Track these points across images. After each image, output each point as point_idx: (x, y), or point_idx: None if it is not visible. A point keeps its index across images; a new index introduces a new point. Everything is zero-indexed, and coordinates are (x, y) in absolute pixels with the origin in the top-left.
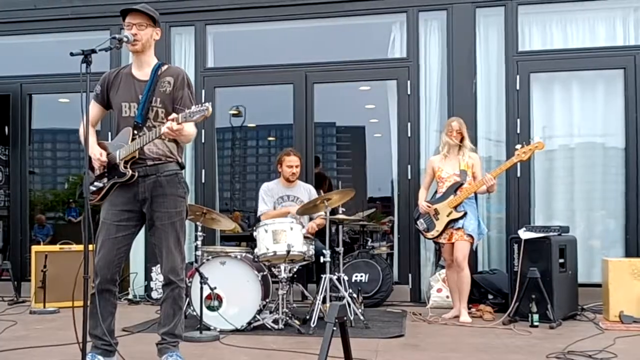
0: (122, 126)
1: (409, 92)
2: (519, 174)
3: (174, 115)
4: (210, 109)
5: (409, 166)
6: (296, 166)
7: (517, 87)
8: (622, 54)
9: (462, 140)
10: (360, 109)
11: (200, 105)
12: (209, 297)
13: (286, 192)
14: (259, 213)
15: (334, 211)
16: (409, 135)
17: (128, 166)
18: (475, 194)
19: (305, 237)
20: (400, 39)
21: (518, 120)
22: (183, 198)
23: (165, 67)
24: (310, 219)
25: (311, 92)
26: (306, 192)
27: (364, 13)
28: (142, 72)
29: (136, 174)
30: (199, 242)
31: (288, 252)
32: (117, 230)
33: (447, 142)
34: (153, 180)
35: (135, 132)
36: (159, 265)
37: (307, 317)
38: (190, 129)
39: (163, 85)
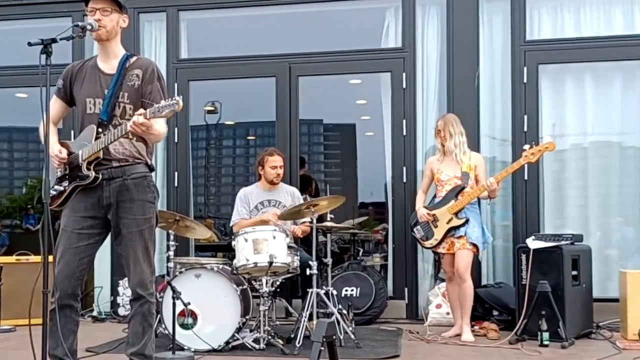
0: (86, 124)
1: (404, 86)
2: (526, 177)
3: (141, 110)
4: (182, 104)
5: (405, 168)
6: (280, 167)
7: (525, 80)
8: None
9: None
10: (351, 104)
11: (170, 99)
12: (182, 313)
13: (267, 197)
14: (231, 223)
15: (321, 218)
16: (405, 133)
17: (91, 167)
18: (478, 199)
19: (289, 247)
20: (395, 26)
21: (525, 117)
22: (152, 203)
23: (134, 58)
24: (295, 225)
25: (295, 86)
26: (289, 195)
27: None
28: (109, 65)
29: (100, 176)
30: (171, 253)
31: (270, 263)
32: (79, 239)
33: (437, 145)
34: (119, 184)
35: (100, 130)
36: (126, 279)
37: (292, 335)
38: (160, 126)
39: (131, 78)
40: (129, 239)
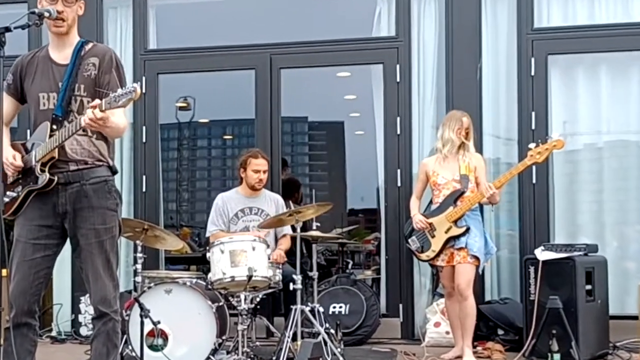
0: (39, 122)
1: (398, 79)
2: (534, 180)
3: (96, 101)
4: (139, 91)
5: (399, 171)
6: (264, 171)
7: (532, 73)
8: None
9: (467, 138)
10: (338, 100)
11: (126, 87)
12: (151, 333)
13: (247, 204)
14: (207, 234)
15: (306, 226)
16: (399, 132)
17: (46, 169)
18: (480, 204)
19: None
20: (388, 13)
21: (533, 114)
22: (114, 211)
23: (90, 46)
24: (277, 240)
25: (277, 80)
26: (272, 203)
27: None
28: (62, 55)
29: (55, 179)
30: (138, 266)
31: (249, 277)
32: (34, 251)
33: (452, 139)
34: (76, 190)
35: (54, 127)
36: (88, 295)
37: (274, 358)
38: (118, 119)
39: (87, 68)
40: (88, 251)
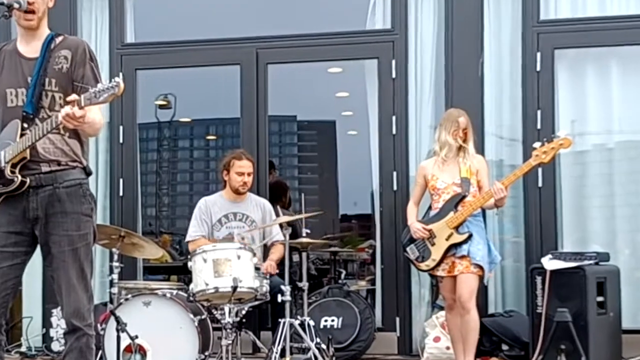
0: (7, 120)
1: (393, 76)
2: (540, 183)
3: (74, 96)
4: (122, 85)
5: (395, 173)
6: (248, 174)
7: (538, 68)
8: None
9: (465, 140)
10: (330, 98)
11: (108, 82)
12: (128, 348)
13: (232, 209)
14: (187, 238)
15: (295, 233)
16: (394, 132)
17: (16, 171)
18: (483, 209)
19: (257, 269)
20: (383, 4)
21: (539, 112)
22: (89, 217)
23: (60, 38)
24: (265, 247)
25: (264, 76)
26: (259, 208)
27: None
28: (31, 48)
29: (28, 181)
30: (114, 276)
31: (234, 288)
32: (2, 259)
33: (448, 142)
34: (48, 194)
35: (26, 125)
36: (60, 307)
37: None
38: (95, 115)
39: (58, 61)
40: (60, 260)
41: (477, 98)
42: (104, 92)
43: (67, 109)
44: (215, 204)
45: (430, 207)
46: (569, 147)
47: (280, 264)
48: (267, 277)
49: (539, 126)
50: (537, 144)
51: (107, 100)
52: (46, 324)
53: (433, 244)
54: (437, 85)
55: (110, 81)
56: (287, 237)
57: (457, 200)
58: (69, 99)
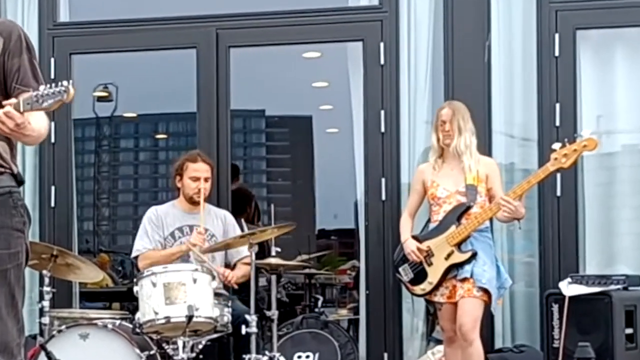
0: None
1: (382, 62)
2: (559, 192)
3: (11, 100)
4: (72, 91)
5: (384, 180)
6: (205, 179)
7: (556, 53)
8: None
9: (450, 136)
10: (305, 88)
11: (55, 85)
12: None
13: (187, 221)
14: (134, 253)
15: (263, 251)
16: (383, 130)
17: None
18: (491, 222)
19: (217, 295)
20: None
21: (557, 106)
22: (21, 232)
23: None
24: (227, 265)
25: (226, 62)
26: (219, 221)
27: None
28: None
29: None
30: (45, 303)
31: (190, 317)
32: None
33: (432, 143)
34: None
35: None
36: None
37: None
38: (40, 121)
39: None
40: None
41: (483, 89)
42: (48, 97)
43: (4, 112)
44: (168, 215)
45: (429, 220)
46: (595, 149)
47: (245, 288)
48: (229, 303)
49: (557, 123)
50: (556, 145)
51: (52, 106)
52: None
53: (430, 264)
54: (434, 73)
55: (57, 85)
56: (253, 256)
57: (460, 212)
58: (4, 103)
